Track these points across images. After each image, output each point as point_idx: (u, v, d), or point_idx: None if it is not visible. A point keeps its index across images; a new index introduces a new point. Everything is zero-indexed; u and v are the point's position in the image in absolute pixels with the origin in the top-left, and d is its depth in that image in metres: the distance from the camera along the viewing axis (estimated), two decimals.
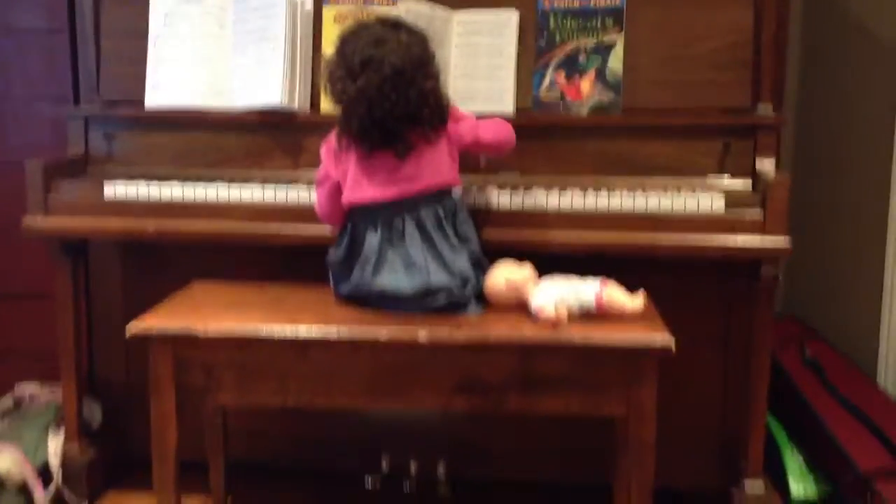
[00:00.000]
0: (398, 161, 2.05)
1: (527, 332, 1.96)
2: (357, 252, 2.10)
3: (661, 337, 1.92)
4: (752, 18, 2.37)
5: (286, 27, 2.43)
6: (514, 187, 2.31)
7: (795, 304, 3.10)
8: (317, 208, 2.20)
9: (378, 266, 2.05)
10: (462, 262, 2.06)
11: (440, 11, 2.46)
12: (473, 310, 2.07)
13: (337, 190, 2.13)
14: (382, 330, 1.95)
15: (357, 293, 2.10)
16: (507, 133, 2.23)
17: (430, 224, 2.06)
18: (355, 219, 2.11)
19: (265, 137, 2.49)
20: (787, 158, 2.89)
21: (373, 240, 2.07)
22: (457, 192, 2.15)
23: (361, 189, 2.07)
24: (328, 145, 2.15)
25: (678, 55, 2.40)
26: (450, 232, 2.08)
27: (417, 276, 2.02)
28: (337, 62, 2.07)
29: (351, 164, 2.08)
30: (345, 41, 2.08)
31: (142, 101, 2.50)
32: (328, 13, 2.50)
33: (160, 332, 1.98)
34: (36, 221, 2.35)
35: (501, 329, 1.97)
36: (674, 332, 1.97)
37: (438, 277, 2.03)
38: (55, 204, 2.35)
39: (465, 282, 2.05)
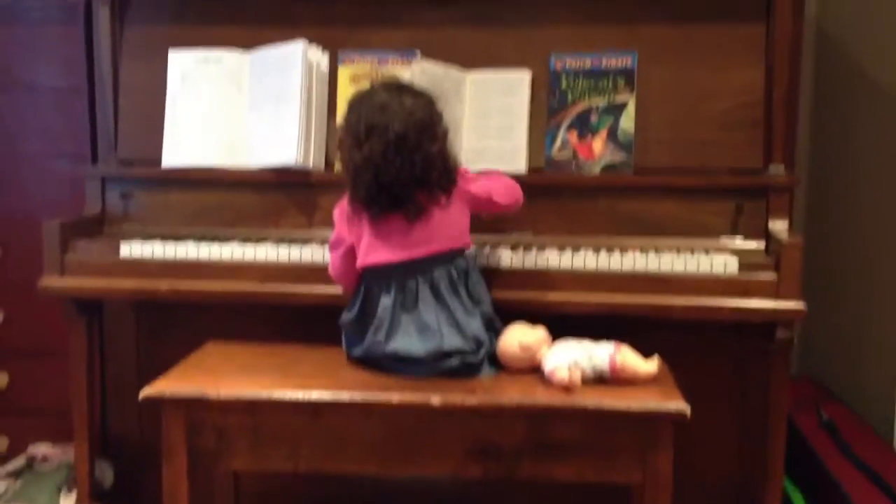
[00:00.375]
0: (410, 224, 2.06)
1: (540, 396, 1.95)
2: (370, 314, 2.10)
3: (675, 402, 1.91)
4: (763, 79, 2.38)
5: (302, 87, 2.45)
6: (527, 247, 2.31)
7: (811, 366, 3.08)
8: (330, 271, 2.21)
9: (391, 330, 2.05)
10: (475, 325, 2.06)
11: (453, 72, 2.48)
12: (486, 372, 2.07)
13: (351, 253, 2.14)
14: (394, 394, 1.95)
15: (370, 355, 2.10)
16: (517, 194, 2.25)
17: (443, 286, 2.06)
18: (368, 281, 2.11)
19: (280, 196, 2.51)
20: (799, 217, 2.89)
21: (386, 303, 2.07)
22: (469, 252, 2.16)
23: (376, 253, 2.08)
24: (341, 209, 2.16)
25: (689, 115, 2.41)
26: (463, 293, 2.08)
27: (431, 340, 2.02)
28: (344, 130, 2.09)
29: (365, 229, 2.09)
30: (350, 108, 2.10)
31: (159, 160, 2.53)
32: (344, 73, 2.53)
33: (173, 395, 1.98)
34: (52, 282, 2.36)
35: (514, 393, 1.96)
36: (688, 392, 1.96)
37: (452, 341, 2.02)
38: (71, 264, 2.37)
39: (478, 345, 2.05)
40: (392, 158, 2.00)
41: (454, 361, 2.03)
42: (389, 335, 2.05)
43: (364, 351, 2.11)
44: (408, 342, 2.04)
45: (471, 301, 2.09)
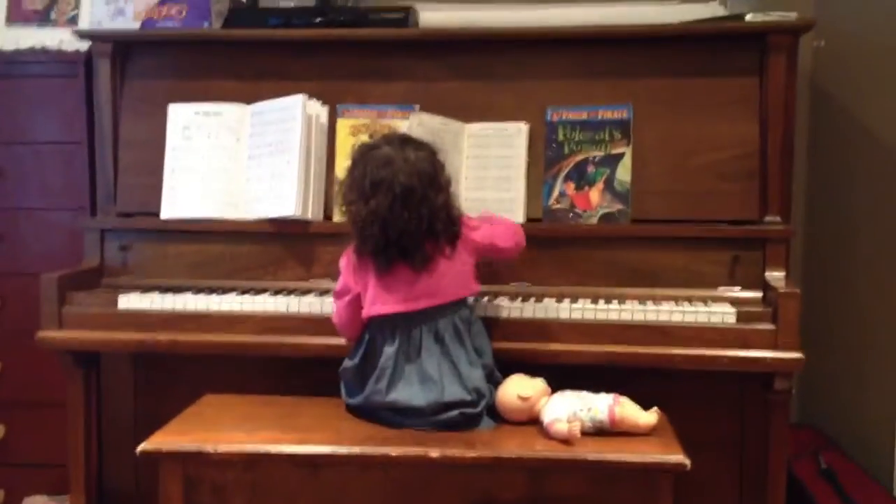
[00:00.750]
0: (416, 275, 2.06)
1: (539, 448, 1.95)
2: (371, 363, 2.10)
3: (675, 454, 1.91)
4: (757, 131, 2.41)
5: (301, 140, 2.47)
6: (525, 297, 2.33)
7: (810, 413, 3.08)
8: (335, 319, 2.21)
9: (393, 380, 2.05)
10: (477, 376, 2.06)
11: (452, 124, 2.51)
12: (485, 424, 2.07)
13: (357, 302, 2.14)
14: (394, 447, 1.94)
15: (369, 405, 2.10)
16: (519, 237, 2.26)
17: (448, 336, 2.07)
18: (372, 330, 2.12)
19: (279, 247, 2.52)
20: (796, 265, 2.90)
21: (389, 352, 2.07)
22: (472, 300, 2.17)
23: (382, 303, 2.08)
24: (347, 258, 2.16)
25: (685, 166, 2.43)
26: (467, 343, 2.09)
27: (432, 391, 2.02)
28: (349, 185, 2.10)
29: (371, 279, 2.10)
30: (354, 163, 2.11)
31: (157, 213, 2.54)
32: (343, 125, 2.55)
33: (170, 450, 1.97)
34: (50, 334, 2.37)
35: (513, 446, 1.96)
36: (687, 441, 1.97)
37: (453, 392, 2.02)
38: (69, 317, 2.37)
39: (479, 396, 2.05)
40: (399, 212, 2.02)
41: (454, 413, 2.03)
42: (391, 385, 2.05)
43: (363, 400, 2.10)
44: (409, 392, 2.04)
45: (474, 352, 2.10)
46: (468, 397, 2.04)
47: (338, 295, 2.19)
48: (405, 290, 2.07)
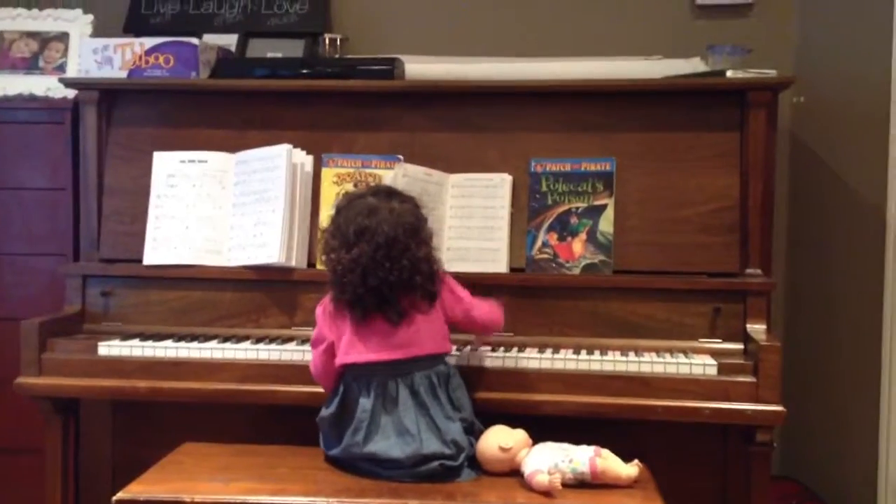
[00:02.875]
0: (392, 327, 2.07)
1: (520, 500, 1.94)
2: (348, 413, 2.10)
3: None
4: (738, 184, 2.44)
5: (286, 188, 2.48)
6: (507, 348, 2.33)
7: (792, 465, 3.07)
8: (311, 368, 2.21)
9: (370, 432, 2.04)
10: (455, 430, 2.06)
11: (436, 174, 2.52)
12: (466, 476, 2.06)
13: (332, 351, 2.14)
14: (372, 499, 1.93)
15: (347, 456, 2.08)
16: (498, 316, 2.27)
17: (423, 390, 2.06)
18: (348, 380, 2.11)
19: (262, 294, 2.52)
20: (777, 317, 2.91)
21: (365, 404, 2.06)
22: (450, 359, 2.17)
23: (356, 352, 2.08)
24: (323, 307, 2.17)
25: (667, 219, 2.46)
26: (443, 399, 2.08)
27: (410, 444, 2.01)
28: (332, 233, 2.11)
29: (346, 328, 2.10)
30: (338, 211, 2.13)
31: (140, 259, 2.54)
32: (327, 174, 2.56)
33: (147, 499, 1.95)
34: (29, 381, 2.35)
35: (494, 498, 1.95)
36: (669, 492, 1.97)
37: (431, 445, 2.01)
38: (49, 364, 2.36)
39: (458, 449, 2.04)
40: (381, 261, 2.03)
41: (434, 464, 2.02)
42: (368, 437, 2.04)
43: (341, 451, 2.09)
44: (386, 445, 2.02)
45: (451, 407, 2.09)
46: (447, 451, 2.03)
47: (314, 344, 2.20)
48: (381, 341, 2.07)
